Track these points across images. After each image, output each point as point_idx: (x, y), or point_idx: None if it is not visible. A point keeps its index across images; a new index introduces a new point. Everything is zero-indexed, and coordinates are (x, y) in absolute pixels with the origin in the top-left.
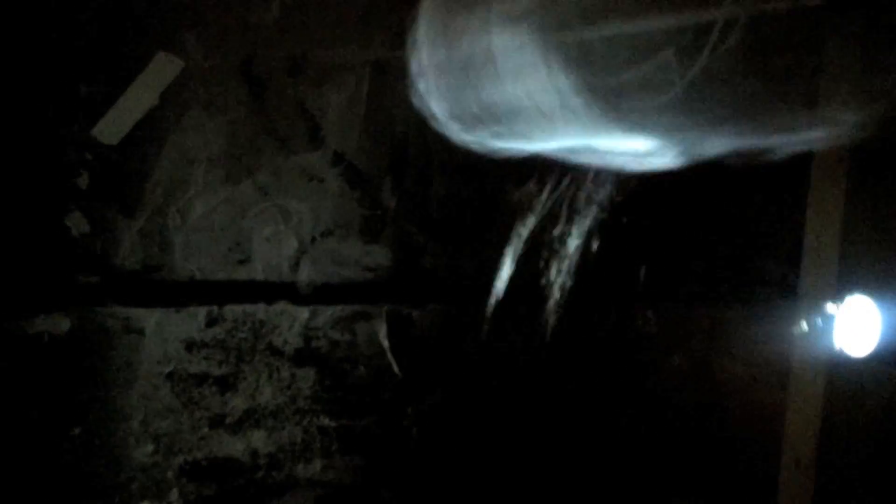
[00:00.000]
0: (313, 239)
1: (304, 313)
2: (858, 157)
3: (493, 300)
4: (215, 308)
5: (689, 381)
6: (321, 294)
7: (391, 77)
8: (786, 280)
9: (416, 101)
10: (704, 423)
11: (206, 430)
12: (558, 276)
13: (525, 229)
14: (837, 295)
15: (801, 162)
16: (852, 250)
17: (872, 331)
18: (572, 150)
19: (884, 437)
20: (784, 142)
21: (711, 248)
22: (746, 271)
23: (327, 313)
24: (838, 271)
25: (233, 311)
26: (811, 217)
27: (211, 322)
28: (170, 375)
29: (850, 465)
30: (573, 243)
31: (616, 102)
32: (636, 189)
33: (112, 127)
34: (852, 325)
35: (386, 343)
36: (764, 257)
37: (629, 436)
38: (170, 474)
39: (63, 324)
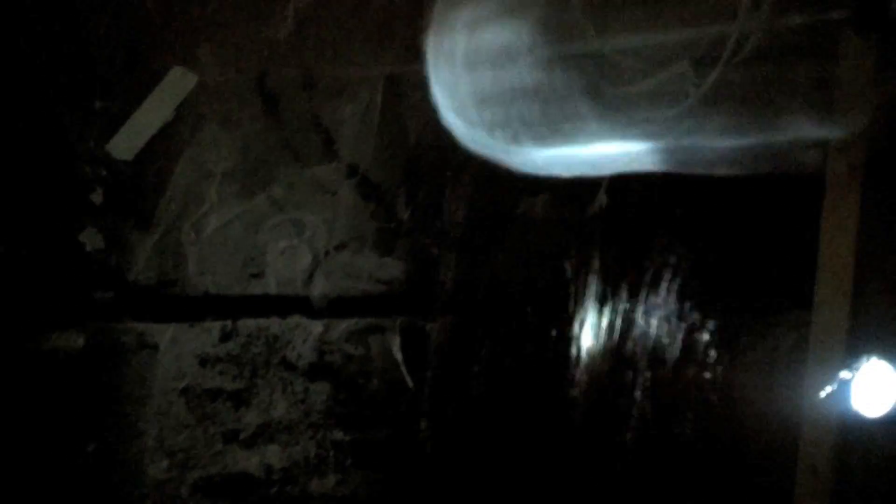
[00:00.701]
0: (327, 252)
1: (317, 327)
2: (873, 166)
3: (507, 312)
4: (229, 323)
5: (704, 391)
6: (335, 307)
7: (405, 90)
8: (800, 289)
9: (430, 111)
10: (719, 432)
11: (220, 445)
12: (573, 288)
13: (539, 240)
14: (852, 304)
15: (816, 169)
16: (867, 257)
17: (889, 392)
18: (585, 160)
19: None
20: (797, 149)
21: (724, 257)
22: (760, 280)
23: (341, 327)
24: (853, 279)
25: (247, 325)
26: (825, 225)
27: (225, 337)
28: (184, 391)
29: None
30: (587, 254)
31: (630, 112)
32: (648, 199)
33: (127, 142)
34: (868, 387)
35: (400, 356)
36: (778, 266)
37: (641, 445)
38: (184, 490)
39: (78, 340)
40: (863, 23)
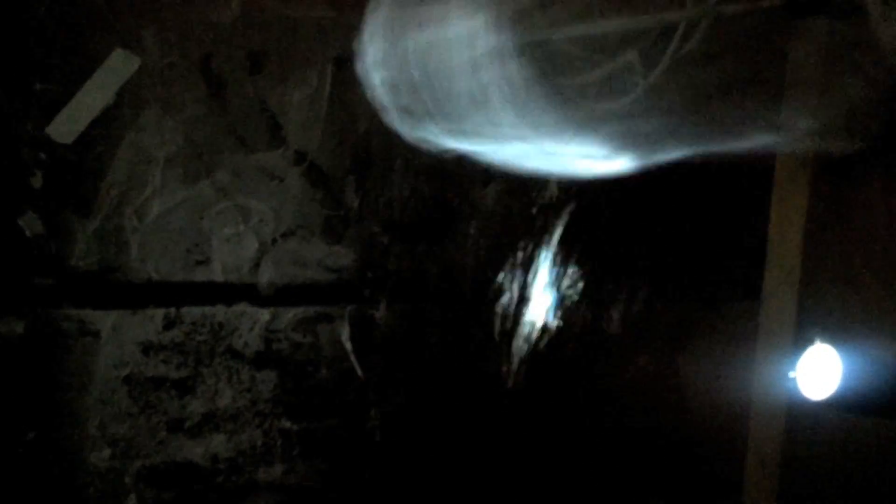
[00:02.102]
0: (274, 240)
1: (264, 315)
2: (821, 159)
3: (457, 302)
4: (173, 310)
5: (654, 381)
6: (283, 295)
7: (354, 75)
8: (750, 279)
9: (373, 98)
10: (669, 424)
11: (164, 434)
12: (523, 278)
13: (489, 230)
14: (800, 294)
15: (765, 163)
16: (815, 248)
17: (832, 375)
18: (533, 151)
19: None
20: (746, 145)
21: (675, 249)
22: (710, 271)
23: (289, 315)
24: (801, 269)
25: (191, 312)
26: (774, 217)
27: (169, 324)
28: (127, 379)
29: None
30: (537, 244)
31: (577, 103)
32: (598, 191)
33: (67, 125)
34: (813, 371)
35: (349, 345)
36: (728, 257)
37: (593, 437)
38: (127, 479)
39: (17, 326)
40: (799, 6)
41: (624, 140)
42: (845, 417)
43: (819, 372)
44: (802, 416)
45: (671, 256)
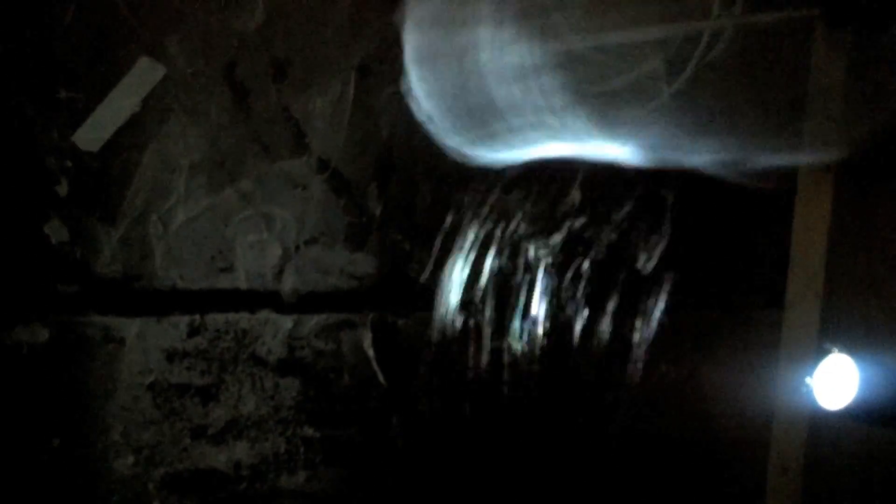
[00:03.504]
0: (297, 247)
1: (288, 322)
2: (845, 167)
3: (479, 309)
4: (197, 317)
5: (676, 388)
6: (306, 302)
7: (377, 82)
8: (773, 287)
9: (402, 105)
10: (691, 431)
11: (187, 441)
12: (544, 284)
13: (512, 237)
14: (823, 303)
15: (789, 170)
16: (838, 257)
17: (849, 385)
18: (557, 158)
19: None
20: (769, 154)
21: (698, 256)
22: (733, 279)
23: (312, 322)
24: (825, 278)
25: (215, 320)
26: (797, 224)
27: (193, 331)
28: (151, 386)
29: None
30: (560, 251)
31: (603, 110)
32: (620, 197)
33: (93, 133)
34: (830, 380)
35: (371, 352)
36: (751, 264)
37: (615, 444)
38: (151, 486)
39: (42, 334)
40: (835, 17)
41: (649, 145)
42: (864, 427)
43: (836, 381)
44: (825, 424)
45: (694, 263)
